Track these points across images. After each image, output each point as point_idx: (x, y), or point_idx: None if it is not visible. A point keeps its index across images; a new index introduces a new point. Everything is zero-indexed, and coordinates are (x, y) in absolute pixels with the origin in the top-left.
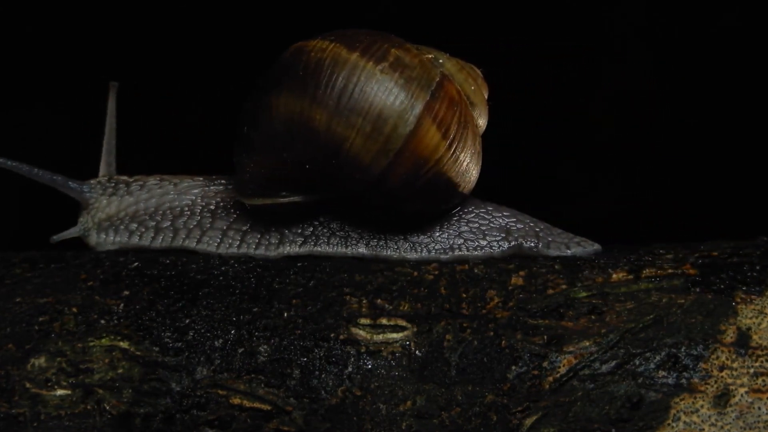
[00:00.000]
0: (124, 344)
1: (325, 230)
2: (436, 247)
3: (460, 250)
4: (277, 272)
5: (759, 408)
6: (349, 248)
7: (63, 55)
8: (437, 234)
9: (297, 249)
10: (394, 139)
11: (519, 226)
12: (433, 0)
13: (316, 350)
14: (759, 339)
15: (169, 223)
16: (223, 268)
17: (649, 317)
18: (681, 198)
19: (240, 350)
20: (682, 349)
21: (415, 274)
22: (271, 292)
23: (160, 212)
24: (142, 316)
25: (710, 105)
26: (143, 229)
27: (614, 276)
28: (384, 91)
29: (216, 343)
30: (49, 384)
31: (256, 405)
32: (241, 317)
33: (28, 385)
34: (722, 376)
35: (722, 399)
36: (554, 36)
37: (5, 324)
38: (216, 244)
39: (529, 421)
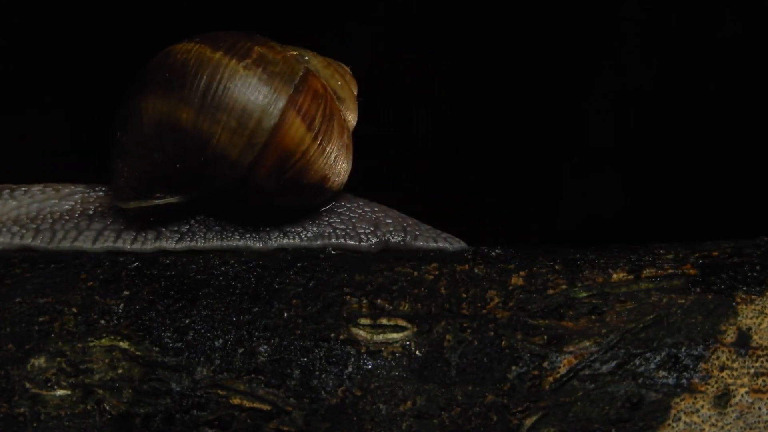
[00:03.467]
0: (124, 344)
1: (201, 227)
2: (308, 235)
3: (330, 239)
4: (277, 272)
5: (759, 408)
6: (224, 241)
7: (61, 55)
8: (308, 225)
9: (174, 245)
10: (260, 132)
11: (388, 221)
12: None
13: (316, 350)
14: (759, 339)
15: (48, 225)
16: (223, 268)
17: (650, 317)
18: (681, 198)
19: (240, 350)
20: (683, 350)
21: (415, 274)
22: (271, 292)
23: (41, 216)
24: (142, 316)
25: (710, 105)
26: (24, 231)
27: (614, 276)
28: (247, 86)
29: (216, 343)
30: (49, 384)
31: (256, 405)
32: (241, 317)
33: (28, 385)
34: (722, 377)
35: (722, 399)
36: (554, 36)
37: (5, 324)
38: (91, 242)
39: (529, 421)
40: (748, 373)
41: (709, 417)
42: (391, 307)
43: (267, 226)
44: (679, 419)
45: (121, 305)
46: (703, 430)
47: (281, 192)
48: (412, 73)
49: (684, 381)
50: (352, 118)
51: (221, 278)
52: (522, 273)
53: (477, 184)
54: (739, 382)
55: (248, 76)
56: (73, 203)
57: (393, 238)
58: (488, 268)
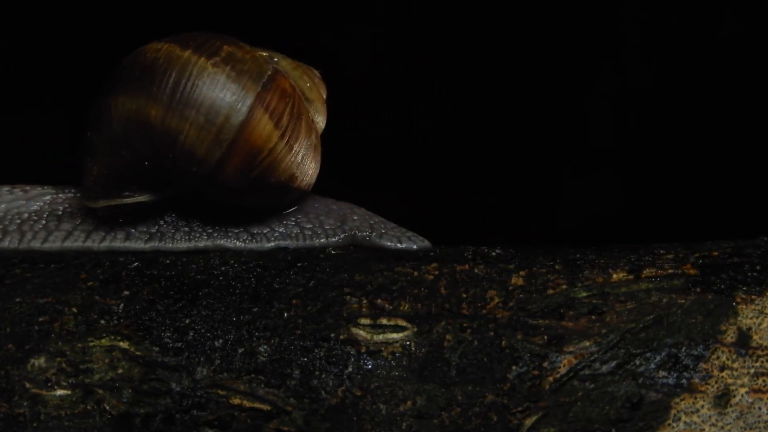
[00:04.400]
0: (124, 344)
1: (170, 227)
2: (275, 235)
3: (298, 239)
4: (277, 272)
5: (759, 408)
6: (193, 242)
7: (61, 55)
8: (275, 225)
9: (143, 245)
10: (227, 129)
11: (355, 218)
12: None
13: (316, 350)
14: (759, 339)
15: (16, 227)
16: (223, 268)
17: (650, 317)
18: (681, 198)
19: (240, 350)
20: (683, 349)
21: (416, 274)
22: (271, 292)
23: (9, 217)
24: (142, 316)
25: (710, 105)
26: None
27: (614, 276)
28: (216, 83)
29: (216, 343)
30: (49, 384)
31: (256, 405)
32: (241, 317)
33: (28, 385)
34: (723, 377)
35: (723, 399)
36: (554, 36)
37: (5, 324)
38: (60, 242)
39: (529, 421)
40: (748, 373)
41: (709, 417)
42: (391, 307)
43: (235, 227)
44: (679, 419)
45: (121, 305)
46: (703, 430)
47: (249, 190)
48: (412, 73)
49: (684, 381)
50: (320, 120)
51: (221, 278)
52: (522, 273)
53: (477, 184)
54: (739, 382)
55: (216, 73)
56: (42, 204)
57: (359, 233)
58: (488, 268)
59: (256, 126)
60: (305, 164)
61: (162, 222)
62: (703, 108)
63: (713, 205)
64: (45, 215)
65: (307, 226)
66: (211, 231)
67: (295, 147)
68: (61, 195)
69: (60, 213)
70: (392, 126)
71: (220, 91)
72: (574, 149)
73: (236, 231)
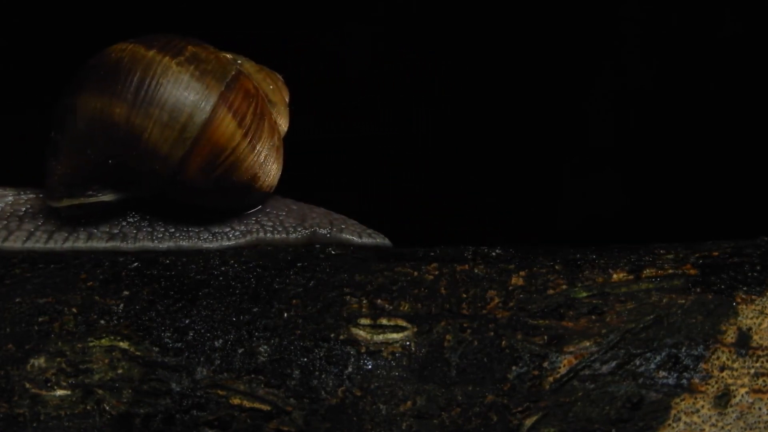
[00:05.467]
0: (123, 344)
1: (132, 228)
2: (236, 233)
3: (258, 235)
4: (277, 272)
5: (759, 408)
6: (155, 242)
7: (61, 55)
8: (236, 224)
9: (104, 245)
10: (191, 127)
11: (314, 215)
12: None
13: (316, 350)
14: (759, 339)
15: None
16: (223, 269)
17: (650, 317)
18: (681, 198)
19: (240, 350)
20: (683, 350)
21: (416, 274)
22: (271, 292)
23: None
24: (142, 317)
25: (710, 105)
26: None
27: (615, 276)
28: (180, 82)
29: (216, 343)
30: (49, 384)
31: (256, 405)
32: (241, 317)
33: (27, 385)
34: (723, 377)
35: (723, 399)
36: (554, 36)
37: (5, 324)
38: (21, 242)
39: (529, 422)
40: (749, 373)
41: (710, 417)
42: (391, 307)
43: (196, 227)
44: (680, 419)
45: (121, 305)
46: (704, 430)
47: (212, 189)
48: (412, 73)
49: (684, 381)
50: (283, 123)
51: (221, 278)
52: (522, 273)
53: (477, 184)
54: (739, 382)
55: (181, 72)
56: (3, 205)
57: (320, 230)
58: (488, 268)
59: (219, 125)
60: (268, 165)
61: (124, 223)
62: (703, 108)
63: (713, 205)
64: (7, 216)
65: (268, 225)
66: (173, 231)
67: (258, 147)
68: (23, 196)
69: (22, 213)
70: (392, 126)
71: (184, 90)
72: (574, 149)
73: (197, 230)
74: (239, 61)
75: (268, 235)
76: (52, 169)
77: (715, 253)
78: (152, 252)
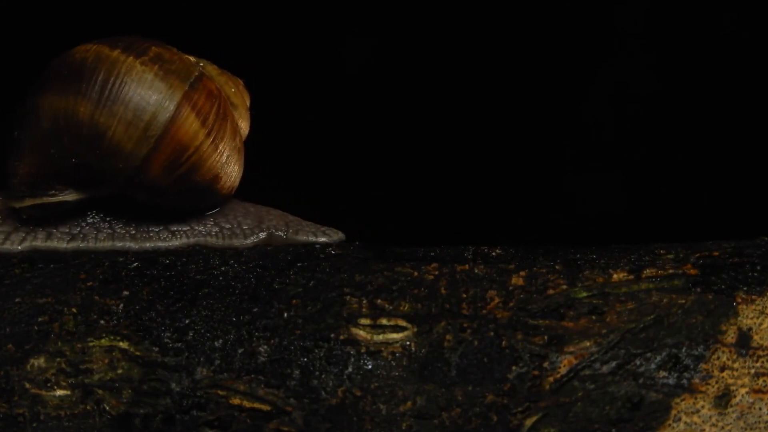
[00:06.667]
0: (123, 344)
1: (92, 229)
2: (194, 233)
3: (217, 237)
4: (277, 272)
5: (760, 408)
6: (116, 242)
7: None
8: (194, 224)
9: (65, 245)
10: (155, 125)
11: (271, 217)
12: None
13: (316, 350)
14: (760, 339)
15: None
16: (223, 268)
17: (650, 317)
18: (681, 198)
19: (240, 350)
20: (683, 350)
21: (416, 274)
22: (271, 292)
23: None
24: (142, 317)
25: (710, 105)
26: None
27: (615, 276)
28: (144, 81)
29: (216, 343)
30: (49, 384)
31: (256, 405)
32: (241, 317)
33: (27, 385)
34: (723, 377)
35: (723, 399)
36: (554, 36)
37: (5, 324)
38: None
39: (529, 422)
40: (749, 373)
41: (710, 417)
42: (391, 307)
43: (156, 227)
44: (680, 419)
45: (121, 305)
46: (704, 430)
47: (175, 188)
48: (412, 72)
49: (684, 381)
50: (244, 126)
51: (221, 278)
52: (522, 273)
53: (477, 184)
54: (739, 382)
55: (145, 71)
56: None
57: (276, 231)
58: (488, 268)
59: (183, 123)
60: (230, 165)
61: (84, 224)
62: (703, 108)
63: (713, 205)
64: None
65: (226, 226)
66: (133, 232)
67: (221, 146)
68: None
69: None
70: (392, 126)
71: (148, 89)
72: (575, 149)
73: (157, 230)
74: (201, 64)
75: (227, 240)
76: (14, 169)
77: (716, 253)
78: (152, 252)
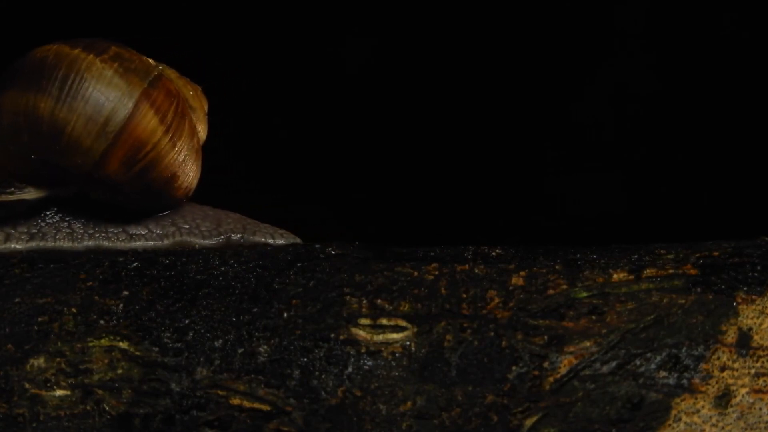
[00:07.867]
0: (123, 345)
1: (51, 228)
2: (153, 236)
3: (175, 237)
4: (277, 272)
5: (760, 408)
6: (75, 242)
7: None
8: (152, 225)
9: (24, 245)
10: (114, 121)
11: (229, 221)
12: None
13: (316, 350)
14: (760, 339)
15: None
16: (223, 269)
17: (650, 317)
18: (681, 198)
19: (240, 350)
20: (683, 350)
21: (416, 274)
22: (271, 292)
23: None
24: (142, 317)
25: (710, 105)
26: None
27: (615, 276)
28: (104, 78)
29: (216, 343)
30: (49, 384)
31: (256, 405)
32: (241, 317)
33: (27, 385)
34: (723, 377)
35: (723, 399)
36: (554, 36)
37: (4, 324)
38: None
39: (529, 422)
40: (749, 373)
41: (710, 417)
42: (391, 307)
43: (114, 228)
44: (680, 419)
45: (121, 305)
46: (704, 430)
47: (132, 185)
48: (412, 72)
49: (684, 381)
50: (201, 130)
51: (221, 278)
52: (522, 273)
53: (477, 184)
54: (739, 382)
55: (105, 69)
56: None
57: (234, 235)
58: (488, 268)
59: (141, 119)
60: (187, 165)
61: (43, 223)
62: (703, 108)
63: (713, 205)
64: None
65: (184, 227)
66: (92, 232)
67: (179, 144)
68: None
69: None
70: (392, 126)
71: (108, 85)
72: (574, 149)
73: (115, 232)
74: (160, 67)
75: (185, 237)
76: None
77: (716, 253)
78: (151, 252)
